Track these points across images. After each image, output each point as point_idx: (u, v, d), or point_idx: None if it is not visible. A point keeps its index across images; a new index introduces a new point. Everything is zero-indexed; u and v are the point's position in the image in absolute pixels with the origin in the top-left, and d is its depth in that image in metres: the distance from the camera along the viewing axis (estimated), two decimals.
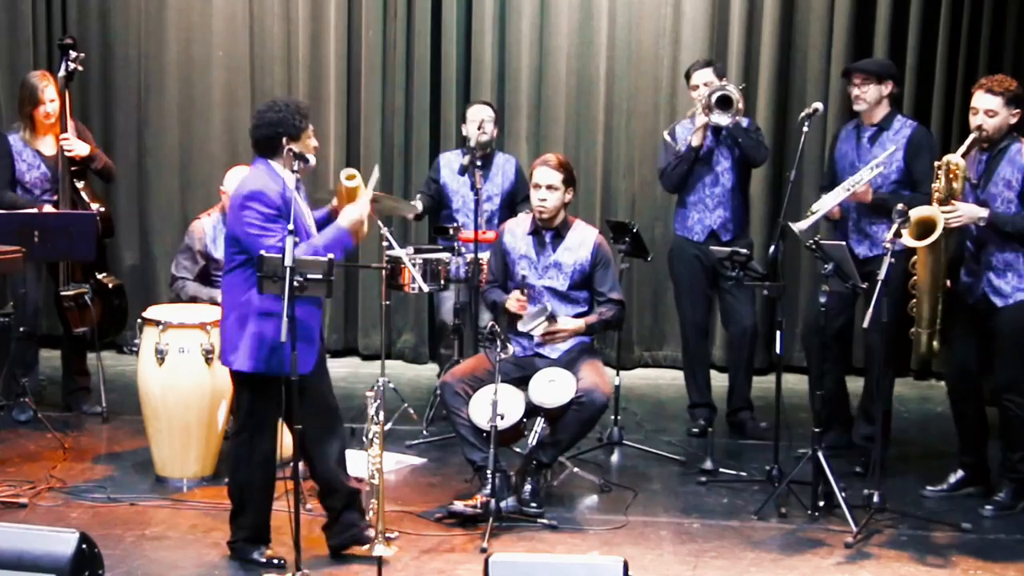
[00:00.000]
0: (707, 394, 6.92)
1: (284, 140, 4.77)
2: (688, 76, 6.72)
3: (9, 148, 6.73)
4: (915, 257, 5.69)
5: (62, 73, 6.75)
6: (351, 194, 4.99)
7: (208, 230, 6.44)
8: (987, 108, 5.53)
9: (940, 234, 5.47)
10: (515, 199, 7.03)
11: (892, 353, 5.62)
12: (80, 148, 6.74)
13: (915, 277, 5.72)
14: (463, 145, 7.08)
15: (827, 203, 5.96)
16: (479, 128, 6.84)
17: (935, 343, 5.78)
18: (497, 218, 6.94)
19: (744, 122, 6.63)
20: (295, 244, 4.54)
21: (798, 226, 5.90)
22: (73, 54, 6.77)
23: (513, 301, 5.75)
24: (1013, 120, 5.55)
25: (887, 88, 6.12)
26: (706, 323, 6.98)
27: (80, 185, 6.81)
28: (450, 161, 7.12)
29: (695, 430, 6.81)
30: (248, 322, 4.82)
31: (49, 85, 6.70)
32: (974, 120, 5.57)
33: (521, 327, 5.65)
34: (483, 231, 6.63)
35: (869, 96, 6.08)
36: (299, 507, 4.75)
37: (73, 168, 6.76)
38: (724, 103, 6.41)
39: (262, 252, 4.63)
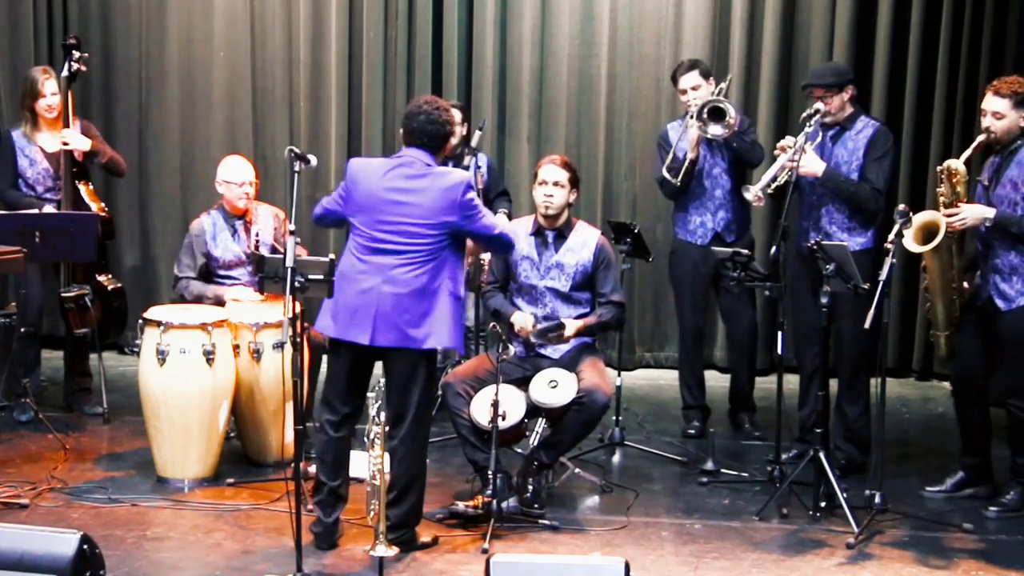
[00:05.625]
0: (701, 397, 6.92)
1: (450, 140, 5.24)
2: (675, 80, 6.67)
3: (12, 144, 6.74)
4: (924, 262, 5.69)
5: (65, 73, 6.74)
6: None
7: (208, 228, 6.43)
8: (994, 110, 5.50)
9: (943, 238, 5.46)
10: (488, 195, 7.02)
11: (875, 356, 5.64)
12: (80, 143, 6.72)
13: (927, 281, 5.73)
14: None
15: (772, 170, 6.02)
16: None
17: (954, 343, 5.77)
18: None
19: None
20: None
21: (747, 195, 6.10)
22: (76, 54, 6.76)
23: (521, 323, 5.74)
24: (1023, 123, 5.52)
25: (848, 93, 6.10)
26: (703, 326, 6.98)
27: (83, 187, 6.80)
28: None
29: (691, 431, 6.81)
30: (444, 303, 5.00)
31: (50, 79, 6.71)
32: (983, 122, 5.55)
33: (534, 338, 5.68)
34: None
35: (834, 106, 6.06)
36: (299, 507, 4.75)
37: (75, 169, 6.75)
38: (716, 115, 6.38)
39: (263, 253, 4.73)
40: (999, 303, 5.56)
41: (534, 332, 5.69)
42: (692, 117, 6.42)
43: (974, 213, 5.50)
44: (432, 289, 4.99)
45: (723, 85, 6.66)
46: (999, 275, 5.55)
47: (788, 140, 6.04)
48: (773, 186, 6.03)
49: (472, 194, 5.04)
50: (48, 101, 6.70)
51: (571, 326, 5.73)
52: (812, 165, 5.99)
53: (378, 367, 5.15)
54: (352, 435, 5.24)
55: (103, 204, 6.95)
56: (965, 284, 5.72)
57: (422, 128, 5.05)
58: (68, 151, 6.69)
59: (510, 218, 6.98)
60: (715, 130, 6.38)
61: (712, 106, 6.37)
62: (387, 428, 4.85)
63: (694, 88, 6.51)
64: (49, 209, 6.67)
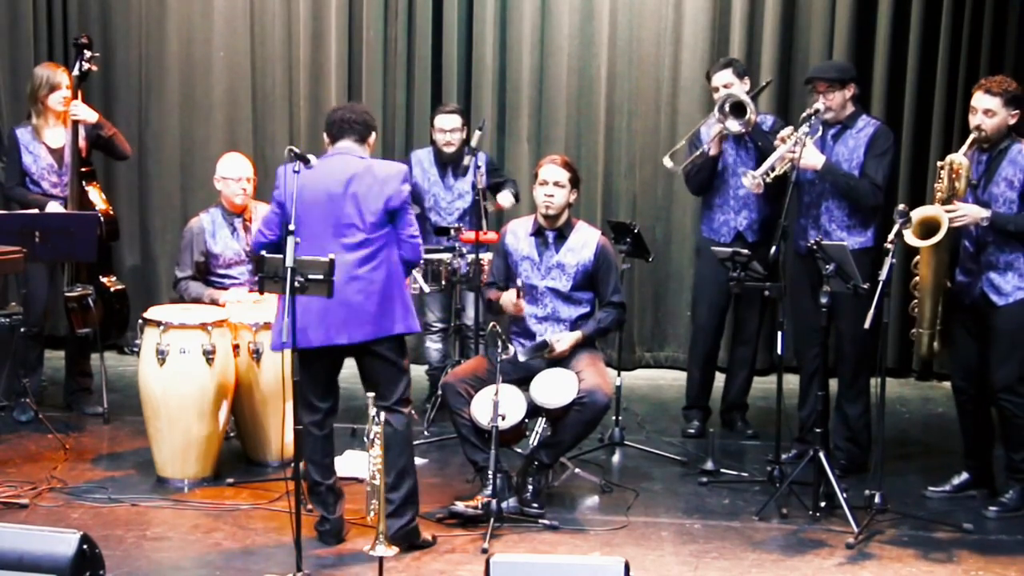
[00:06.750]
0: (704, 397, 6.91)
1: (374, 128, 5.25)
2: (709, 78, 6.70)
3: (17, 142, 6.74)
4: (917, 257, 5.70)
5: (76, 72, 6.75)
6: None
7: (207, 226, 6.43)
8: (985, 108, 5.53)
9: (944, 234, 5.47)
10: (489, 190, 7.02)
11: (875, 355, 5.65)
12: (87, 114, 6.73)
13: (916, 277, 5.73)
14: (434, 144, 7.11)
15: (771, 159, 6.04)
16: (446, 142, 6.96)
17: (936, 344, 5.78)
18: (469, 214, 6.97)
19: (768, 121, 6.61)
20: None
21: (745, 180, 6.13)
22: (88, 54, 6.77)
23: (509, 302, 5.74)
24: (1012, 121, 5.54)
25: (850, 91, 6.11)
26: (720, 327, 6.94)
27: (92, 188, 6.80)
28: (420, 159, 7.12)
29: (691, 431, 6.81)
30: (399, 288, 5.11)
31: (63, 74, 6.72)
32: (973, 120, 5.58)
33: (521, 358, 5.65)
34: (457, 227, 6.74)
35: (835, 103, 6.08)
36: (299, 507, 4.75)
37: (84, 169, 6.76)
38: (737, 110, 6.40)
39: (263, 253, 4.81)
40: (994, 298, 5.57)
41: (522, 351, 5.67)
42: (715, 110, 6.46)
43: (971, 212, 5.51)
44: (388, 276, 5.06)
45: (762, 85, 6.81)
46: (993, 270, 5.56)
47: (788, 130, 6.07)
48: (772, 175, 6.04)
49: (407, 186, 5.11)
50: (64, 93, 6.71)
51: (568, 339, 5.72)
52: (811, 158, 5.99)
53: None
54: (333, 428, 5.28)
55: (107, 206, 6.95)
56: (948, 283, 5.73)
57: (344, 120, 5.12)
58: (74, 151, 6.70)
59: (517, 199, 7.03)
60: (733, 125, 6.41)
61: (734, 101, 6.39)
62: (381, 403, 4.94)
63: (726, 86, 6.52)
64: (55, 205, 6.68)
